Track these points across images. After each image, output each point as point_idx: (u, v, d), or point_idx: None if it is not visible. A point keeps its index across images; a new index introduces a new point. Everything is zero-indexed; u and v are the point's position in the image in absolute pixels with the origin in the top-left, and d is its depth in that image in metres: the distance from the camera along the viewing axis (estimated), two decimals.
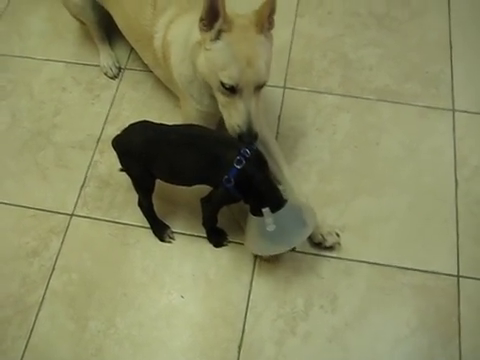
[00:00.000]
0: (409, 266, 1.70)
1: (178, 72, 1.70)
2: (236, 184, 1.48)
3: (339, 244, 1.72)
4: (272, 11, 1.51)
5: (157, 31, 1.75)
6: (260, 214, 1.48)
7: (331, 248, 1.73)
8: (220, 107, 1.56)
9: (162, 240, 1.77)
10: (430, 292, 1.65)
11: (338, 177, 1.87)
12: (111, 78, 2.14)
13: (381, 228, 1.77)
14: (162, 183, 1.65)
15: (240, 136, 1.53)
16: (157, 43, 1.76)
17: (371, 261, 1.71)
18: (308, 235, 1.59)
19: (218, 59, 1.49)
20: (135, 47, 2.01)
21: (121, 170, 1.66)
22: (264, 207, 1.47)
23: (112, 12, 1.98)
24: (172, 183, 1.64)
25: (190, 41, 1.58)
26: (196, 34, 1.52)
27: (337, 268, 1.71)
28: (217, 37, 1.48)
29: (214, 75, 1.50)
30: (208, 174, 1.54)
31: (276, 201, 1.49)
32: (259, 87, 1.52)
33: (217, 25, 1.46)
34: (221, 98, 1.54)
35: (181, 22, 1.69)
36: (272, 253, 1.64)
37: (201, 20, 1.48)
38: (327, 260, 1.72)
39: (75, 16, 2.13)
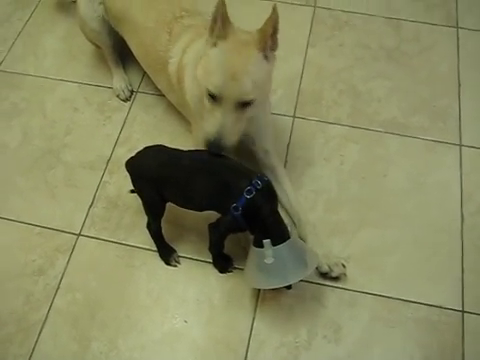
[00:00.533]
0: (413, 299, 1.70)
1: (191, 94, 1.73)
2: (243, 213, 1.50)
3: (345, 275, 1.73)
4: (275, 30, 1.52)
5: (172, 56, 1.79)
6: (262, 246, 1.49)
7: (337, 278, 1.73)
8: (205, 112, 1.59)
9: (168, 264, 1.78)
10: (434, 326, 1.65)
11: (345, 207, 1.88)
12: (123, 100, 2.17)
13: (386, 260, 1.77)
14: (171, 206, 1.66)
15: (208, 144, 1.54)
16: (172, 68, 1.79)
17: (375, 292, 1.71)
18: (305, 276, 1.57)
19: (209, 64, 1.52)
20: (149, 72, 2.04)
21: (131, 192, 1.68)
22: (266, 239, 1.48)
23: (127, 38, 2.02)
24: (183, 207, 1.66)
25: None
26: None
27: (341, 298, 1.71)
28: (215, 44, 1.52)
29: (203, 80, 1.53)
30: (217, 201, 1.56)
31: (279, 235, 1.50)
32: (243, 104, 1.52)
33: (216, 29, 1.50)
34: (206, 103, 1.56)
35: (196, 45, 1.72)
36: (265, 287, 1.64)
37: (210, 27, 1.53)
38: (331, 290, 1.72)
39: (91, 40, 2.17)
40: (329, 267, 1.71)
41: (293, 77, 2.20)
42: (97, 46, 2.21)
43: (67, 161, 2.02)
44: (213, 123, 1.54)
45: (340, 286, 1.72)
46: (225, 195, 1.52)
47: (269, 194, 1.54)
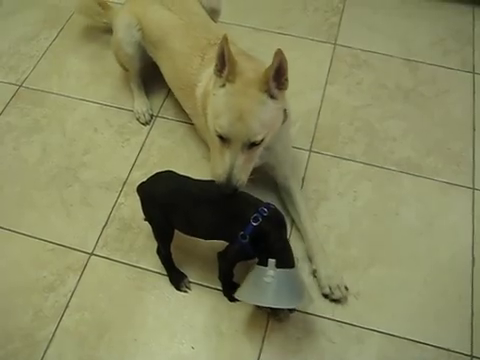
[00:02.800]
0: (421, 340, 1.69)
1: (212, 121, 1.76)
2: (251, 241, 1.51)
3: (346, 298, 1.75)
4: (280, 71, 1.53)
5: (201, 80, 1.83)
6: (265, 264, 1.49)
7: (337, 301, 1.75)
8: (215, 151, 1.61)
9: (178, 289, 1.78)
10: None
11: (356, 243, 1.89)
12: (143, 124, 2.20)
13: (395, 299, 1.78)
14: (181, 234, 1.68)
15: (218, 185, 1.56)
16: (199, 92, 1.83)
17: (383, 331, 1.71)
18: (292, 306, 1.63)
19: (216, 106, 1.55)
20: (178, 95, 2.08)
21: (145, 219, 1.69)
22: (272, 258, 1.49)
23: (160, 63, 2.08)
24: (188, 234, 1.68)
25: None
26: None
27: (349, 334, 1.71)
28: (223, 85, 1.55)
29: (212, 120, 1.56)
30: (224, 231, 1.58)
31: (284, 261, 1.51)
32: (251, 144, 1.54)
33: (224, 74, 1.53)
34: (216, 143, 1.59)
35: None
36: (251, 301, 1.63)
37: (216, 65, 1.56)
38: (339, 325, 1.72)
39: (121, 63, 2.23)
40: (330, 289, 1.73)
41: (311, 112, 2.24)
42: (125, 69, 2.26)
43: (84, 180, 2.05)
44: (222, 165, 1.55)
45: (348, 322, 1.72)
46: (232, 225, 1.54)
47: (277, 221, 1.56)
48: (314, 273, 1.79)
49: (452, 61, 2.45)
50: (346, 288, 1.76)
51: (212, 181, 1.61)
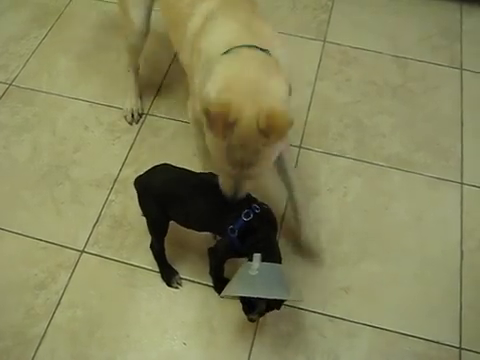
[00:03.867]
0: (411, 333, 1.71)
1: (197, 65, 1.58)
2: (240, 236, 1.51)
3: (318, 256, 1.84)
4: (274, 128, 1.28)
5: (195, 14, 1.63)
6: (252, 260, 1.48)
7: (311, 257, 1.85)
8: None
9: (169, 285, 1.79)
10: None
11: (346, 238, 1.91)
12: (129, 123, 2.20)
13: (386, 293, 1.79)
14: (175, 229, 1.69)
15: (227, 198, 1.51)
16: (191, 28, 1.64)
17: (374, 325, 1.72)
18: (279, 297, 1.49)
19: (215, 152, 1.40)
20: (168, 27, 1.88)
21: (143, 214, 1.69)
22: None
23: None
24: (183, 226, 1.68)
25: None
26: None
27: (340, 328, 1.72)
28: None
29: (213, 161, 1.46)
30: (216, 222, 1.57)
31: (271, 256, 1.49)
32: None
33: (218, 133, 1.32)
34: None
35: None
36: (236, 293, 1.52)
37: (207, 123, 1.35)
38: (330, 320, 1.74)
39: (130, 47, 2.12)
40: (309, 244, 1.82)
41: (301, 108, 2.25)
42: (131, 59, 2.18)
43: (74, 178, 2.05)
44: (228, 186, 1.48)
45: (339, 316, 1.74)
46: (223, 217, 1.54)
47: (268, 220, 1.56)
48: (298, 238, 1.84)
49: (440, 57, 2.47)
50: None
51: (212, 174, 1.60)
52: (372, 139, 2.18)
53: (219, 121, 1.27)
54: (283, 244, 1.78)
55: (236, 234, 1.51)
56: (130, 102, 2.23)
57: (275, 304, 1.51)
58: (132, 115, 2.20)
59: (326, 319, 1.74)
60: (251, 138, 1.29)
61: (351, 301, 1.77)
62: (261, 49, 1.42)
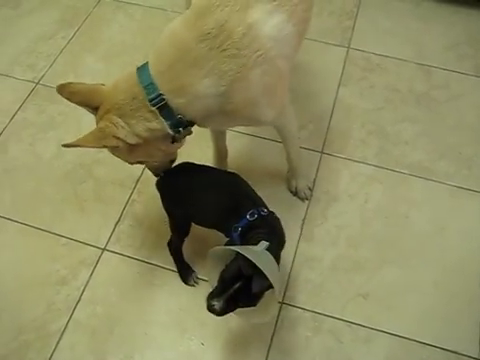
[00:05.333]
0: (430, 342, 1.70)
1: None
2: (241, 234, 1.49)
3: (307, 199, 2.00)
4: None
5: None
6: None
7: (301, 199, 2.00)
8: None
9: (186, 282, 1.81)
10: None
11: (366, 245, 1.90)
12: None
13: (404, 300, 1.79)
14: (198, 231, 1.70)
15: None
16: None
17: (392, 332, 1.72)
18: (269, 277, 1.28)
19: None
20: None
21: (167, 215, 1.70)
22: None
23: None
24: (197, 223, 1.68)
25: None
26: None
27: (357, 334, 1.72)
28: None
29: None
30: (224, 219, 1.56)
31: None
32: None
33: None
34: None
35: None
36: (229, 249, 1.37)
37: None
38: (348, 325, 1.73)
39: None
40: (296, 189, 2.00)
41: (323, 114, 2.25)
42: None
43: (98, 176, 2.08)
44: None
45: (357, 322, 1.74)
46: (232, 215, 1.53)
47: (273, 225, 1.53)
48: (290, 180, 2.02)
49: (465, 66, 2.45)
50: (310, 188, 2.02)
51: (232, 173, 1.64)
52: (394, 146, 2.17)
53: None
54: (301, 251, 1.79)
55: (238, 232, 1.49)
56: None
57: (250, 298, 1.37)
58: None
59: (344, 324, 1.74)
60: None
61: (369, 307, 1.76)
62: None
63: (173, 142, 1.49)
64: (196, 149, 2.09)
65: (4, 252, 1.92)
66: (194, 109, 1.41)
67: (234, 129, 2.15)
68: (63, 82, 1.47)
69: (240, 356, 1.68)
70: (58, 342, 1.71)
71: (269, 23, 1.39)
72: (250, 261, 1.28)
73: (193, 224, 1.69)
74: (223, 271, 1.39)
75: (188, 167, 1.68)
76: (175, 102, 1.37)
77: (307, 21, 1.61)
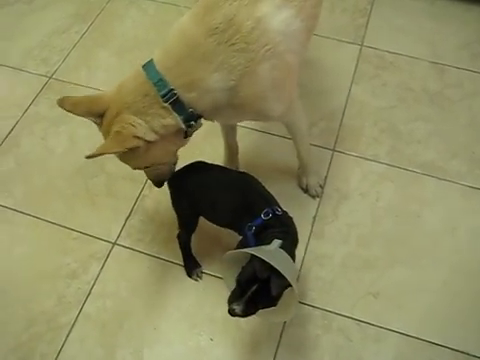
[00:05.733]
0: (439, 342, 1.69)
1: None
2: (256, 233, 1.49)
3: (318, 196, 1.99)
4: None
5: None
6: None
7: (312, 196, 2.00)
8: None
9: (190, 276, 1.82)
10: None
11: (377, 243, 1.90)
12: None
13: (414, 300, 1.78)
14: (207, 226, 1.70)
15: None
16: None
17: (402, 331, 1.71)
18: (287, 276, 1.29)
19: None
20: None
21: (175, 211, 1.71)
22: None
23: None
24: (208, 220, 1.68)
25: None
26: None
27: (367, 333, 1.71)
28: None
29: None
30: (238, 218, 1.57)
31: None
32: None
33: None
34: None
35: None
36: (244, 252, 1.37)
37: None
38: (357, 324, 1.73)
39: None
40: (307, 186, 2.00)
41: (336, 111, 2.24)
42: None
43: (109, 171, 2.09)
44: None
45: (366, 321, 1.73)
46: (245, 214, 1.53)
47: (287, 225, 1.53)
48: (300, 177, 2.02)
49: (479, 65, 2.43)
50: (321, 186, 2.01)
51: (243, 173, 1.65)
52: (407, 145, 2.16)
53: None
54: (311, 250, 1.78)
55: (253, 231, 1.49)
56: None
57: (270, 299, 1.36)
58: None
59: (353, 323, 1.73)
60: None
61: (379, 306, 1.76)
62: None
63: (185, 137, 1.50)
64: (207, 147, 2.11)
65: (16, 245, 1.93)
66: (204, 103, 1.41)
67: (245, 126, 2.15)
68: (63, 96, 1.45)
69: (249, 352, 1.68)
70: (68, 335, 1.72)
71: (278, 17, 1.39)
72: (265, 263, 1.28)
73: (205, 222, 1.69)
74: (239, 274, 1.39)
75: (200, 166, 1.68)
76: (186, 96, 1.38)
77: (316, 17, 1.61)
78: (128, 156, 1.43)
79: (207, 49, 1.35)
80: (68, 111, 1.44)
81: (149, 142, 1.40)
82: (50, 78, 2.41)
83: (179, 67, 1.38)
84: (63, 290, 1.81)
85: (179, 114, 1.40)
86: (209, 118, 1.53)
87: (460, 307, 1.77)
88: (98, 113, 1.44)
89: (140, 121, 1.38)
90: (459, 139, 2.18)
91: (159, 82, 1.37)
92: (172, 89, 1.36)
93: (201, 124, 1.50)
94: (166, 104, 1.37)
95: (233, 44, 1.35)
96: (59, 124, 2.24)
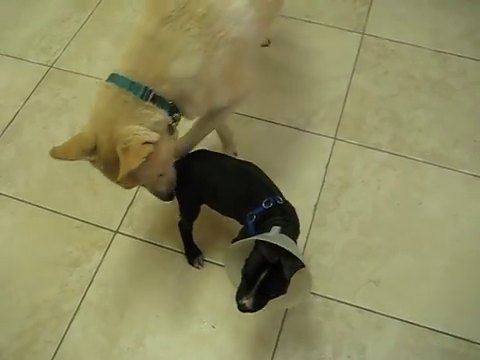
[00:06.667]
0: (441, 329, 1.70)
1: None
2: (257, 222, 1.49)
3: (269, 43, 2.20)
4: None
5: None
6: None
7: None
8: None
9: (191, 264, 1.82)
10: (461, 359, 1.65)
11: (378, 231, 1.90)
12: None
13: (416, 287, 1.78)
14: (209, 214, 1.71)
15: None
16: None
17: (403, 318, 1.72)
18: (296, 254, 1.28)
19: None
20: None
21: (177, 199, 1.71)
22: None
23: None
24: (213, 208, 1.69)
25: None
26: None
27: (368, 320, 1.72)
28: None
29: None
30: (240, 207, 1.57)
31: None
32: None
33: None
34: None
35: None
36: (250, 238, 1.36)
37: None
38: (359, 311, 1.74)
39: None
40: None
41: (337, 100, 2.24)
42: None
43: None
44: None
45: (368, 308, 1.74)
46: (247, 204, 1.53)
47: (289, 213, 1.52)
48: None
49: None
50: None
51: (248, 162, 1.64)
52: (408, 133, 2.15)
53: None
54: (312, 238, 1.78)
55: (254, 220, 1.49)
56: None
57: (280, 286, 1.34)
58: None
59: (355, 310, 1.74)
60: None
61: (381, 294, 1.76)
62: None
63: (171, 133, 1.48)
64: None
65: (18, 234, 1.94)
66: (176, 94, 1.40)
67: (245, 114, 2.15)
68: (53, 147, 1.43)
69: (251, 339, 1.69)
70: (71, 323, 1.73)
71: (231, 5, 1.40)
72: (273, 248, 1.28)
73: (207, 211, 1.69)
74: (244, 267, 1.37)
75: (203, 154, 1.68)
76: (161, 90, 1.37)
77: (272, 9, 1.61)
78: (144, 168, 1.33)
79: (163, 38, 1.35)
80: (62, 159, 1.42)
81: (155, 144, 1.36)
82: (51, 67, 2.40)
83: (143, 64, 1.37)
84: (65, 278, 1.82)
85: (163, 108, 1.39)
86: (183, 111, 1.49)
87: (461, 294, 1.77)
88: (90, 149, 1.40)
89: (137, 126, 1.34)
90: (461, 127, 2.18)
91: (132, 85, 1.35)
92: (146, 87, 1.35)
93: (180, 118, 1.49)
94: (148, 102, 1.36)
95: (188, 29, 1.35)
96: (60, 113, 2.24)
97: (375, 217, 1.93)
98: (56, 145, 1.32)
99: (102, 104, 1.40)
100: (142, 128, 1.35)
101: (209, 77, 1.43)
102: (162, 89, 1.37)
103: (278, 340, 1.68)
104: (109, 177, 1.47)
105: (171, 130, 1.46)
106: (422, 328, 1.70)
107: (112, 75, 1.41)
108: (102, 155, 1.40)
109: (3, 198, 2.02)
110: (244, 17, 1.43)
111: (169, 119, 1.42)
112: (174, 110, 1.41)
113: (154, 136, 1.36)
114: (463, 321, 1.72)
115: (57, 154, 1.41)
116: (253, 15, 1.46)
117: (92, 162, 1.46)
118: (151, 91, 1.35)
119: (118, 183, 1.42)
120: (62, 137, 2.11)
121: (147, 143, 1.33)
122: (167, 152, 1.46)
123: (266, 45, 2.41)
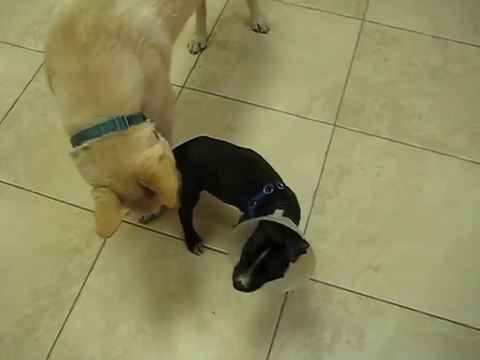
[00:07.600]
0: (440, 315, 1.71)
1: None
2: (257, 208, 1.49)
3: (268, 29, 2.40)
4: None
5: None
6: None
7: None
8: None
9: (191, 250, 1.83)
10: (460, 344, 1.65)
11: (378, 218, 1.90)
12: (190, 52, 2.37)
13: (415, 273, 1.79)
14: (208, 201, 1.71)
15: None
16: None
17: (402, 304, 1.73)
18: (300, 235, 1.33)
19: None
20: None
21: None
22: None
23: None
24: (212, 194, 1.70)
25: None
26: None
27: (367, 306, 1.73)
28: None
29: None
30: (241, 193, 1.57)
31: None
32: None
33: None
34: None
35: None
36: (254, 219, 1.40)
37: None
38: (358, 297, 1.74)
39: None
40: (258, 25, 2.39)
41: (336, 87, 2.23)
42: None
43: None
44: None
45: (367, 294, 1.75)
46: (249, 191, 1.53)
47: (290, 200, 1.52)
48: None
49: None
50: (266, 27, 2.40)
51: (249, 150, 1.65)
52: (408, 120, 2.15)
53: None
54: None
55: (254, 206, 1.50)
56: (197, 31, 2.36)
57: (280, 267, 1.36)
58: (196, 45, 2.37)
59: (354, 296, 1.75)
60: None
61: (380, 280, 1.77)
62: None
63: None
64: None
65: (18, 221, 1.94)
66: (138, 105, 1.39)
67: (244, 101, 2.15)
68: (98, 231, 1.41)
69: (251, 325, 1.70)
70: (71, 309, 1.74)
71: (140, 14, 1.39)
72: (278, 229, 1.29)
73: (206, 198, 1.70)
74: (246, 245, 1.38)
75: (204, 140, 1.68)
76: (126, 110, 1.34)
77: (178, 21, 1.60)
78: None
79: (94, 67, 1.31)
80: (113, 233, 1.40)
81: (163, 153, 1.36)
82: None
83: (94, 102, 1.32)
84: (66, 265, 1.83)
85: (142, 122, 1.38)
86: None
87: (461, 281, 1.78)
88: (120, 205, 1.38)
89: (142, 154, 1.33)
90: (461, 114, 2.17)
91: (103, 127, 1.31)
92: (116, 118, 1.32)
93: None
94: (130, 128, 1.33)
95: (112, 47, 1.32)
96: None
97: (374, 204, 1.93)
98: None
99: (96, 167, 1.35)
100: (146, 151, 1.34)
101: (150, 80, 1.42)
102: (127, 109, 1.35)
103: (277, 326, 1.69)
104: (147, 212, 1.50)
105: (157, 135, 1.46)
106: (421, 314, 1.71)
107: (78, 135, 1.36)
108: (131, 199, 1.37)
109: (3, 185, 2.02)
110: (155, 24, 1.43)
111: (152, 126, 1.41)
112: (145, 118, 1.41)
113: (159, 149, 1.36)
114: (462, 307, 1.73)
115: (108, 234, 1.40)
116: (162, 23, 1.46)
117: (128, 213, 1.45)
118: (123, 117, 1.33)
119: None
120: (60, 126, 2.14)
121: (163, 156, 1.34)
122: (171, 154, 1.47)
123: (265, 32, 2.41)
